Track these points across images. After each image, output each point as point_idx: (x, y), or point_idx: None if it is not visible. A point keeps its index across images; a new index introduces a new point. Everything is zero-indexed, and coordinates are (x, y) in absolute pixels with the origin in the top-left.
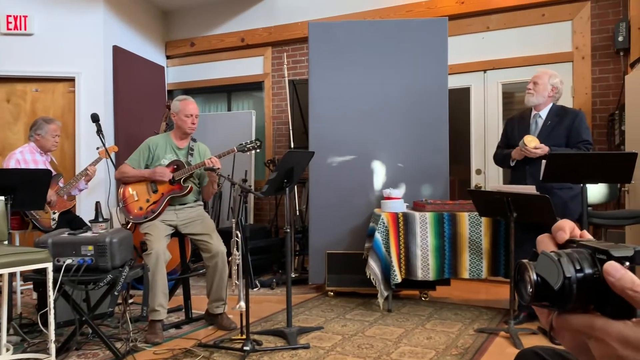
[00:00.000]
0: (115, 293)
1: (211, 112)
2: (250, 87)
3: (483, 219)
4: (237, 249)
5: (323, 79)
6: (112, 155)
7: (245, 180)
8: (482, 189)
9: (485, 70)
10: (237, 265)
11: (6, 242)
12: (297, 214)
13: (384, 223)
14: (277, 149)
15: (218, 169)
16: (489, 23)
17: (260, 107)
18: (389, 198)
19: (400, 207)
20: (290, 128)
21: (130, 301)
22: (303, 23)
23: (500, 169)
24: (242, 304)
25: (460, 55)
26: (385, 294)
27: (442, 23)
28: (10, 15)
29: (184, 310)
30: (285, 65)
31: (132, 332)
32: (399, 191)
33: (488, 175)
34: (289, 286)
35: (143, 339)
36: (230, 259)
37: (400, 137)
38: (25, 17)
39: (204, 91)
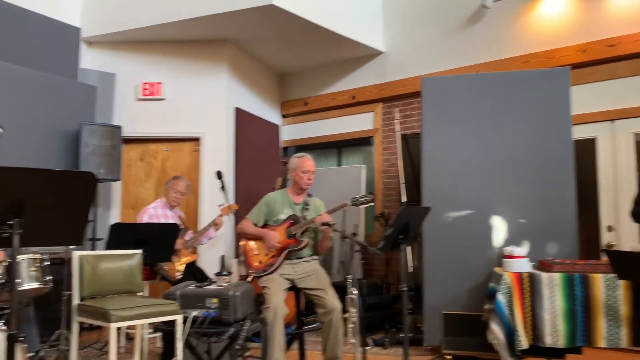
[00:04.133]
0: (237, 347)
1: (322, 167)
2: (360, 142)
3: (620, 282)
4: (354, 307)
5: (437, 133)
6: (232, 212)
7: (355, 235)
8: (616, 247)
9: (613, 120)
10: (354, 323)
11: (140, 293)
12: (410, 270)
13: (506, 283)
14: (386, 203)
15: (333, 223)
16: (615, 70)
17: (370, 161)
18: (511, 256)
19: (524, 266)
20: (402, 182)
21: (246, 354)
22: (414, 78)
23: (636, 226)
24: None
25: (583, 105)
26: None
27: (565, 73)
28: (147, 83)
29: None
30: (396, 120)
31: None
32: (522, 249)
33: (621, 232)
34: (406, 348)
35: None
36: (346, 316)
37: (521, 191)
38: (159, 83)
39: (315, 147)
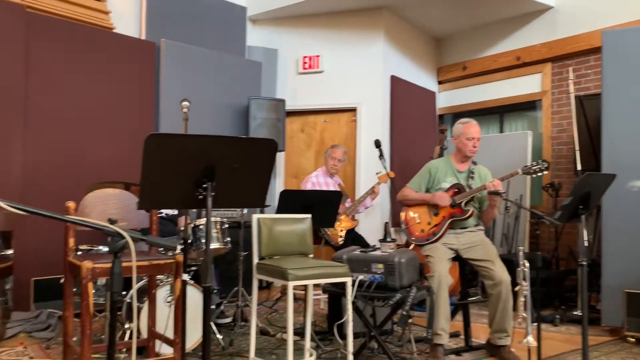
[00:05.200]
0: (404, 313)
1: (483, 134)
2: (524, 106)
3: None
4: (525, 279)
5: (620, 92)
6: (389, 180)
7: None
8: None
9: None
10: (525, 296)
11: (311, 256)
12: (585, 245)
13: None
14: (556, 172)
15: (503, 192)
16: None
17: (536, 127)
18: None
19: None
20: (577, 148)
21: (408, 321)
22: (589, 34)
23: None
24: (531, 338)
25: None
26: None
27: None
28: (307, 56)
29: (462, 337)
30: (570, 81)
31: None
32: None
33: None
34: (585, 326)
35: None
36: (517, 289)
37: None
38: (318, 56)
39: (474, 114)
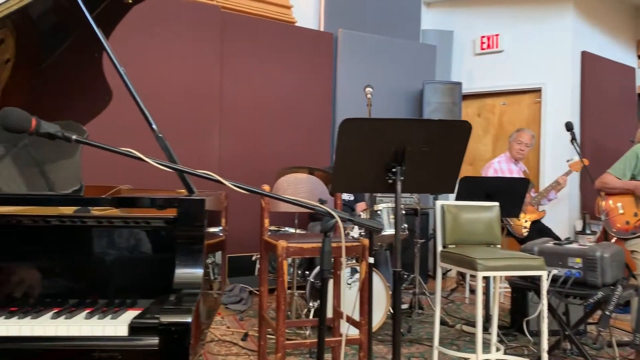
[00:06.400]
0: (606, 313)
1: None
2: None
3: None
4: None
5: None
6: (583, 168)
7: None
8: None
9: None
10: None
11: (499, 246)
12: None
13: None
14: None
15: None
16: None
17: None
18: None
19: None
20: None
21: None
22: None
23: None
24: None
25: None
26: None
27: None
28: (484, 36)
29: None
30: None
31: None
32: None
33: None
34: None
35: None
36: None
37: None
38: (497, 35)
39: None
